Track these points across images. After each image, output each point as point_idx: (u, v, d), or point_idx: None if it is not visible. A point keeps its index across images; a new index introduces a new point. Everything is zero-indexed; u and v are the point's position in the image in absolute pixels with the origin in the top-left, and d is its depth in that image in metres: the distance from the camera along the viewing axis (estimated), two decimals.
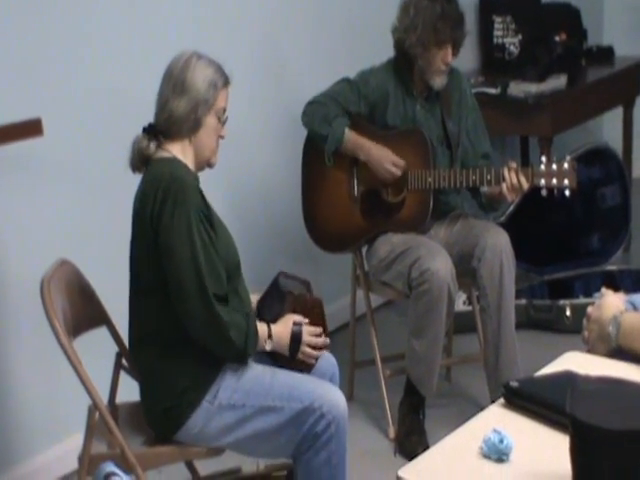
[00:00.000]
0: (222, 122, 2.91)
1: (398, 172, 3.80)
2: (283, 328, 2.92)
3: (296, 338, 2.91)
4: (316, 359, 2.99)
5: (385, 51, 3.91)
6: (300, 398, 2.81)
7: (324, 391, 2.85)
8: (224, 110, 2.90)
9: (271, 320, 2.94)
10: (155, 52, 3.66)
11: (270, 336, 2.89)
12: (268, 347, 2.89)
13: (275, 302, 3.01)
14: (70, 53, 3.58)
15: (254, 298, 3.07)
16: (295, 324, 2.93)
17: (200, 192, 2.78)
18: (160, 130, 2.85)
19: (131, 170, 2.89)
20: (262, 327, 2.88)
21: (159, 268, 2.76)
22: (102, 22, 3.68)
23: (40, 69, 3.49)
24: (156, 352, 2.84)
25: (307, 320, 2.96)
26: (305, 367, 2.98)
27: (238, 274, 2.93)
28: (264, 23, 4.38)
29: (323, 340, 2.98)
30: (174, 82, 2.82)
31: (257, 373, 2.87)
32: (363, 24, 4.69)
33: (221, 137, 2.93)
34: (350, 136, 3.84)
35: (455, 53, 3.82)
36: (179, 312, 2.76)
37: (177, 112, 2.82)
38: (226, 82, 2.89)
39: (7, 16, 3.37)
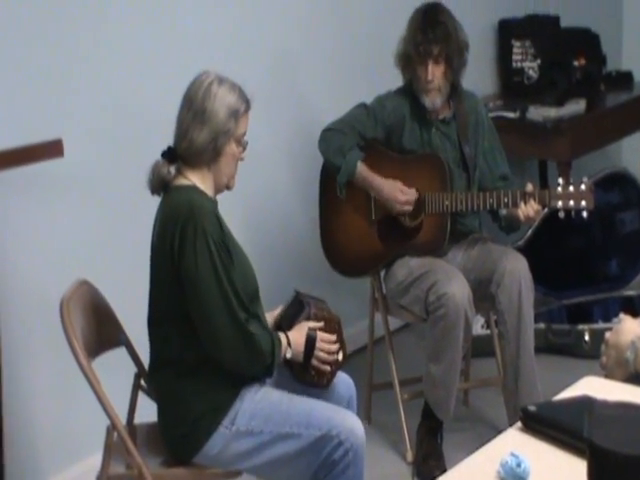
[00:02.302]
0: (242, 146, 2.91)
1: (409, 209, 3.81)
2: (299, 334, 2.94)
3: (310, 342, 2.93)
4: (331, 369, 2.99)
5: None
6: (318, 425, 2.81)
7: (342, 418, 2.84)
8: (244, 134, 2.90)
9: (288, 329, 2.96)
10: (175, 73, 3.68)
11: (289, 344, 2.91)
12: (288, 355, 2.90)
13: (294, 316, 3.03)
14: (91, 74, 3.60)
15: (270, 316, 3.09)
16: (310, 329, 2.95)
17: (218, 219, 2.79)
18: (180, 155, 2.85)
19: (150, 193, 2.90)
20: (282, 337, 2.90)
21: (178, 298, 2.78)
22: (124, 44, 3.70)
23: (61, 90, 3.51)
24: (173, 377, 2.85)
25: (322, 324, 2.98)
26: (321, 378, 2.99)
27: (256, 299, 2.94)
28: (283, 45, 4.40)
29: (336, 346, 2.99)
30: (195, 111, 2.81)
31: (275, 399, 2.87)
32: (382, 47, 4.69)
33: (240, 159, 2.93)
34: (362, 170, 3.84)
35: (447, 71, 3.79)
36: (207, 338, 2.78)
37: (197, 142, 2.81)
38: (247, 107, 2.88)
39: (29, 39, 3.40)
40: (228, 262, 2.78)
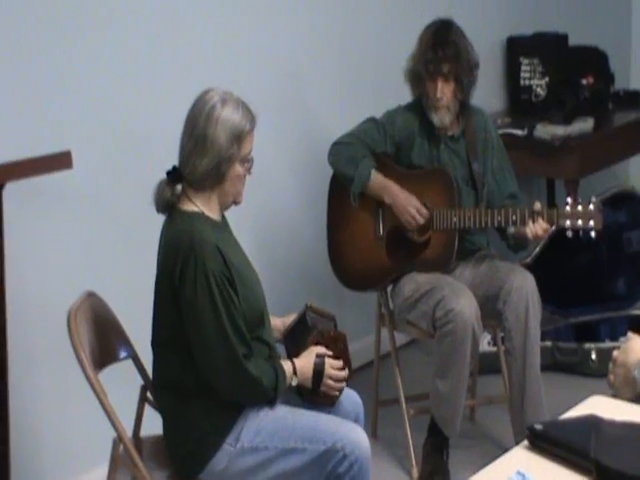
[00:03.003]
0: (248, 164, 2.87)
1: (421, 220, 3.81)
2: (306, 362, 2.93)
3: (319, 371, 2.92)
4: (339, 391, 2.98)
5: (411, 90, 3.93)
6: (323, 439, 2.80)
7: (346, 431, 2.84)
8: (249, 152, 2.86)
9: (295, 354, 2.96)
10: (183, 88, 3.69)
11: (295, 372, 2.90)
12: (294, 383, 2.90)
13: (300, 336, 3.03)
14: (101, 87, 3.62)
15: (279, 322, 3.09)
16: (318, 356, 2.94)
17: (220, 251, 2.75)
18: (183, 177, 2.83)
19: (155, 210, 2.89)
20: (287, 365, 2.89)
21: (178, 326, 2.78)
22: (133, 58, 3.73)
23: (70, 103, 3.53)
24: (175, 399, 2.85)
25: (330, 352, 2.97)
26: (328, 400, 2.99)
27: (262, 322, 2.92)
28: (290, 59, 4.41)
29: (345, 373, 2.99)
30: (196, 138, 2.77)
31: (279, 414, 2.87)
32: (390, 61, 4.70)
33: (248, 174, 2.89)
34: (376, 178, 3.85)
35: (456, 89, 3.80)
36: (206, 372, 2.77)
37: (199, 170, 2.78)
38: (252, 126, 2.83)
39: (38, 51, 3.42)
40: (229, 297, 2.75)
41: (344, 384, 3.00)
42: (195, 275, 2.71)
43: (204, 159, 2.77)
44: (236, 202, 2.92)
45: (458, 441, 3.93)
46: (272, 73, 4.30)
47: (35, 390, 3.53)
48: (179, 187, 2.82)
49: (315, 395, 2.96)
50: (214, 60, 4.02)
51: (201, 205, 2.84)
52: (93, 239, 3.65)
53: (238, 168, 2.83)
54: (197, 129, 2.77)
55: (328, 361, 2.94)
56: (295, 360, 2.93)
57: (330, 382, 2.95)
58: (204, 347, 2.75)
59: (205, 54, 4.00)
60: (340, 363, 2.98)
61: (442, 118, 3.84)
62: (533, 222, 3.67)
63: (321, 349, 2.96)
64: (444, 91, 3.78)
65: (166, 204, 2.84)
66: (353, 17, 4.71)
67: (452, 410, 3.75)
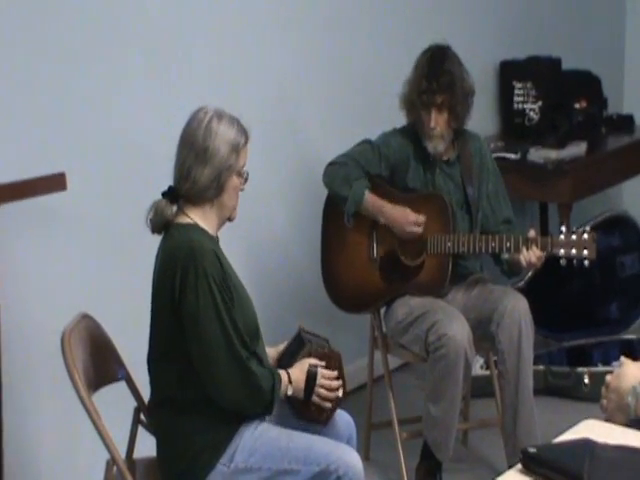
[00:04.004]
0: (244, 178, 2.92)
1: (419, 230, 3.81)
2: (299, 371, 2.94)
3: (311, 378, 2.93)
4: (333, 405, 2.98)
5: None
6: (317, 461, 2.81)
7: (340, 453, 2.84)
8: (244, 165, 2.91)
9: (288, 366, 2.97)
10: (177, 109, 3.70)
11: (290, 381, 2.91)
12: (289, 392, 2.91)
13: (295, 351, 3.05)
14: (95, 108, 3.63)
15: (272, 350, 3.10)
16: (311, 366, 2.95)
17: (219, 259, 2.80)
18: (182, 195, 2.86)
19: (151, 231, 2.90)
20: (282, 374, 2.91)
21: (178, 337, 2.79)
22: (129, 78, 3.74)
23: (65, 124, 3.54)
24: (172, 414, 2.85)
25: (323, 363, 2.98)
26: (321, 414, 2.99)
27: (257, 338, 2.94)
28: (284, 79, 4.41)
29: (338, 383, 2.99)
30: (197, 151, 2.81)
31: (273, 435, 2.87)
32: (382, 82, 4.73)
33: (241, 190, 2.94)
34: (370, 198, 3.85)
35: (450, 119, 3.79)
36: (207, 377, 2.78)
37: (201, 181, 2.82)
38: (246, 140, 2.89)
39: (33, 74, 3.42)
40: (229, 301, 2.79)
41: (339, 393, 3.00)
42: (196, 281, 2.73)
43: (205, 170, 2.81)
44: (231, 218, 2.96)
45: (451, 465, 3.92)
46: (265, 93, 4.30)
47: (29, 411, 3.52)
48: (176, 206, 2.85)
49: (307, 407, 2.96)
50: (208, 81, 4.03)
51: (197, 219, 2.87)
52: (87, 261, 3.65)
53: (236, 180, 2.88)
54: (196, 143, 2.82)
55: (321, 371, 2.96)
56: (289, 370, 2.94)
57: (322, 391, 2.95)
58: (206, 349, 2.76)
59: (200, 76, 4.01)
60: (334, 373, 2.99)
61: (436, 146, 3.85)
62: (527, 249, 3.67)
63: (314, 360, 2.98)
64: (438, 121, 3.78)
65: (163, 222, 2.86)
66: (346, 39, 4.72)
67: (445, 434, 3.75)
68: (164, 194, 2.87)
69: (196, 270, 2.74)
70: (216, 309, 2.75)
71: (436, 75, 3.75)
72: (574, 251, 3.64)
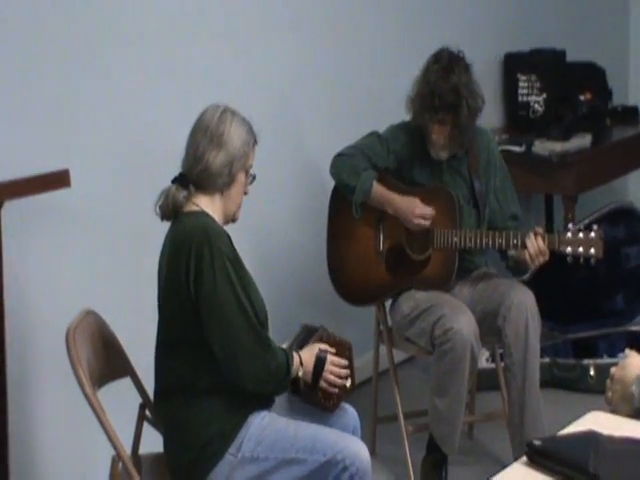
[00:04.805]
0: (250, 179, 2.97)
1: (427, 223, 3.79)
2: (309, 354, 2.96)
3: (320, 363, 2.94)
4: (341, 393, 2.99)
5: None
6: (323, 450, 2.81)
7: (347, 443, 2.85)
8: (252, 166, 2.96)
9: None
10: (181, 106, 3.73)
11: (301, 363, 2.92)
12: (300, 373, 2.92)
13: (305, 338, 3.06)
14: (98, 105, 3.63)
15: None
16: (321, 351, 2.96)
17: (230, 240, 2.84)
18: (192, 181, 2.88)
19: (160, 218, 2.91)
20: (294, 355, 2.92)
21: (192, 323, 2.80)
22: (131, 75, 3.73)
23: (69, 120, 3.54)
24: (181, 403, 2.85)
25: (334, 350, 2.99)
26: (328, 400, 2.99)
27: (265, 327, 2.95)
28: (289, 77, 4.42)
29: (347, 372, 3.00)
30: (211, 135, 2.86)
31: (280, 425, 2.88)
32: (385, 80, 4.73)
33: (245, 193, 2.99)
34: (378, 188, 3.84)
35: (454, 133, 3.75)
36: (226, 353, 2.79)
37: (214, 165, 2.86)
38: (255, 142, 2.96)
39: (38, 70, 3.42)
40: (245, 280, 2.84)
41: (347, 382, 3.00)
42: (212, 260, 2.76)
43: (219, 155, 2.86)
44: (234, 219, 2.99)
45: (457, 458, 3.92)
46: (270, 91, 4.30)
47: (35, 408, 3.52)
48: (186, 192, 2.87)
49: (314, 391, 2.96)
50: (212, 78, 4.02)
51: (205, 207, 2.90)
52: (91, 257, 3.65)
53: (244, 177, 2.93)
54: (212, 128, 2.88)
55: (330, 357, 2.96)
56: (300, 352, 2.95)
57: (330, 377, 2.96)
58: (224, 324, 2.78)
59: (203, 73, 4.00)
60: (343, 361, 3.00)
61: (438, 154, 3.83)
62: (534, 239, 3.65)
63: (325, 346, 2.99)
64: (441, 133, 3.76)
65: (174, 208, 2.87)
66: (349, 35, 4.71)
67: (451, 427, 3.75)
68: (174, 180, 2.90)
69: (211, 249, 2.76)
70: (232, 287, 2.77)
71: (441, 93, 3.68)
72: (581, 249, 3.63)
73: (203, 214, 2.88)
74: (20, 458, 3.41)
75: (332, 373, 2.97)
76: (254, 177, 2.99)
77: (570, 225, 3.70)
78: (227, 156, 2.86)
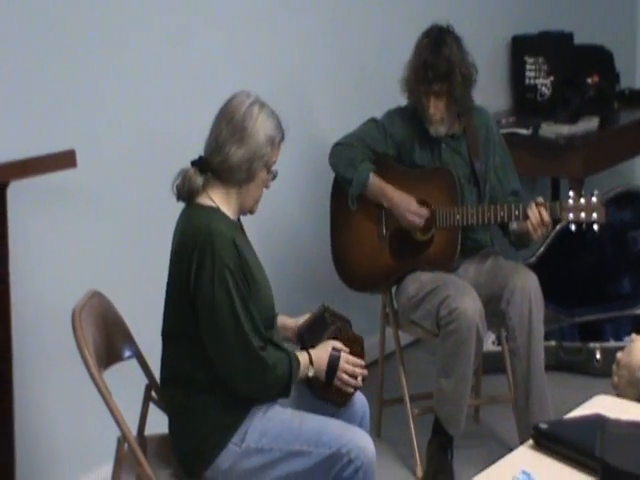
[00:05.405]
0: (272, 175, 2.90)
1: (420, 223, 3.81)
2: (322, 353, 2.93)
3: (334, 363, 2.92)
4: (354, 389, 2.98)
5: None
6: (328, 443, 2.80)
7: (352, 436, 2.83)
8: (275, 162, 2.88)
9: (311, 347, 2.95)
10: (187, 89, 3.72)
11: (312, 362, 2.90)
12: (310, 373, 2.90)
13: (318, 331, 3.02)
14: (105, 86, 3.62)
15: (291, 321, 3.10)
16: (334, 350, 2.93)
17: (237, 247, 2.77)
18: (211, 168, 2.83)
19: (175, 198, 2.88)
20: (303, 355, 2.90)
21: (192, 319, 2.78)
22: (137, 56, 3.72)
23: (75, 101, 3.53)
24: (184, 393, 2.85)
25: (347, 349, 2.96)
26: (341, 397, 2.98)
27: (272, 325, 2.93)
28: (291, 64, 4.39)
29: (361, 371, 2.98)
30: (234, 127, 2.79)
31: (286, 417, 2.87)
32: (391, 65, 4.70)
33: (266, 187, 2.93)
34: (374, 181, 3.85)
35: (450, 103, 3.76)
36: (220, 365, 2.78)
37: (233, 159, 2.79)
38: (282, 137, 2.88)
39: (43, 50, 3.42)
40: (245, 290, 2.77)
41: (359, 382, 2.98)
42: (213, 268, 2.72)
43: (240, 149, 2.79)
44: (252, 211, 2.94)
45: (462, 440, 3.93)
46: (274, 77, 4.27)
47: (41, 389, 3.53)
48: (204, 177, 2.82)
49: (328, 389, 2.95)
50: (216, 64, 4.01)
51: (219, 202, 2.85)
52: (98, 238, 3.65)
53: (265, 173, 2.86)
54: (236, 119, 2.80)
55: (344, 356, 2.94)
56: (311, 351, 2.93)
57: (344, 377, 2.94)
58: (220, 339, 2.75)
59: (207, 58, 3.98)
60: (357, 361, 2.98)
61: (437, 130, 3.84)
62: (536, 209, 3.64)
63: (338, 344, 2.96)
64: (437, 106, 3.77)
65: (190, 191, 2.83)
66: (355, 20, 4.70)
67: (456, 409, 3.75)
68: (194, 162, 2.85)
69: (213, 256, 2.72)
70: (230, 300, 2.73)
71: (433, 63, 3.71)
72: (583, 215, 3.62)
73: (214, 211, 2.82)
74: (26, 438, 3.42)
75: (346, 372, 2.94)
76: (276, 173, 2.91)
77: (571, 192, 3.67)
78: (248, 153, 2.79)
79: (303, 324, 3.09)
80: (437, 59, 3.71)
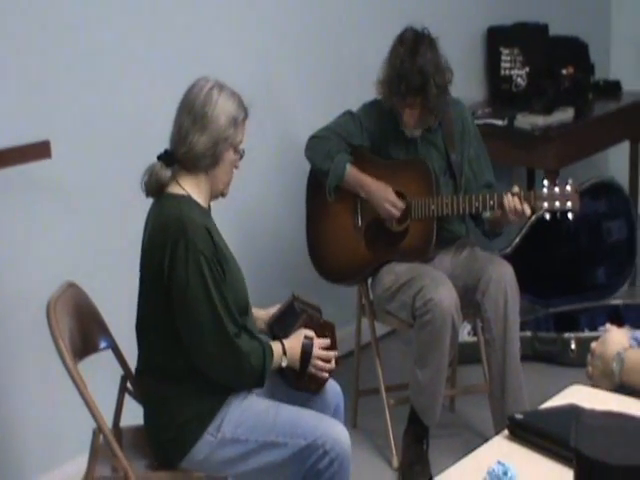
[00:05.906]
0: (240, 154, 2.90)
1: (397, 213, 3.81)
2: (295, 342, 2.93)
3: (307, 351, 2.92)
4: (329, 373, 2.98)
5: None
6: (304, 434, 2.80)
7: (327, 427, 2.84)
8: (241, 142, 2.89)
9: (283, 337, 2.95)
10: (164, 77, 3.70)
11: (285, 352, 2.90)
12: (284, 363, 2.90)
13: (289, 321, 3.03)
14: (80, 76, 3.60)
15: (262, 312, 3.09)
16: (306, 338, 2.94)
17: (210, 233, 2.77)
18: (177, 160, 2.83)
19: (145, 195, 2.88)
20: (276, 345, 2.90)
21: (166, 309, 2.77)
22: (113, 45, 3.71)
23: (50, 91, 3.51)
24: (160, 383, 2.85)
25: (317, 335, 2.97)
26: (315, 384, 2.99)
27: (246, 312, 2.93)
28: (269, 54, 4.38)
29: (333, 353, 2.99)
30: (194, 116, 2.79)
31: (261, 408, 2.87)
32: (368, 58, 4.70)
33: (235, 167, 2.93)
34: (351, 172, 3.85)
35: (424, 112, 3.74)
36: (195, 353, 2.77)
37: (197, 147, 2.79)
38: (246, 116, 2.88)
39: (17, 38, 3.40)
40: (219, 277, 2.76)
41: (333, 365, 2.99)
42: (186, 256, 2.71)
43: (203, 136, 2.78)
44: (223, 194, 2.94)
45: (438, 431, 3.94)
46: (249, 68, 4.26)
47: (15, 380, 3.52)
48: (171, 169, 2.82)
49: (302, 378, 2.96)
50: (191, 55, 3.98)
51: (189, 189, 2.84)
52: (73, 229, 3.64)
53: (232, 154, 2.86)
54: (196, 108, 2.79)
55: (316, 341, 2.94)
56: (284, 341, 2.93)
57: (319, 363, 2.94)
58: (194, 327, 2.75)
59: (182, 49, 3.97)
60: (328, 342, 2.99)
61: (411, 133, 3.84)
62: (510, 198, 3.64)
63: (310, 332, 2.96)
64: (412, 115, 3.76)
65: (158, 186, 2.83)
66: (330, 12, 4.68)
67: (432, 399, 3.76)
68: (159, 157, 2.85)
69: (186, 244, 2.71)
70: (205, 286, 2.72)
71: (407, 76, 3.65)
72: (557, 204, 3.62)
73: (184, 199, 2.82)
74: (1, 430, 3.40)
75: (320, 358, 2.95)
76: (243, 152, 2.91)
77: (545, 181, 3.67)
78: (212, 138, 2.79)
79: (273, 315, 3.10)
80: (411, 72, 3.66)
